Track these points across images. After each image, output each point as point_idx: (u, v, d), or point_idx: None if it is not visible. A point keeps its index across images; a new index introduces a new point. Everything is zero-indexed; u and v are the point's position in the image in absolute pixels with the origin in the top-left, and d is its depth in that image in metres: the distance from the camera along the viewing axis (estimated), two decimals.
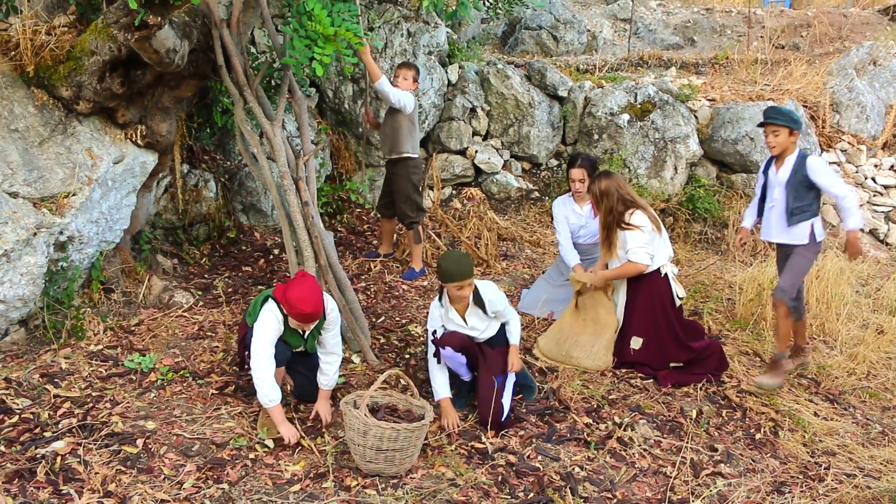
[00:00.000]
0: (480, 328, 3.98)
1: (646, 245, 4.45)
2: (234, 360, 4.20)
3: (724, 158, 7.51)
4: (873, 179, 7.78)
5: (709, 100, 7.80)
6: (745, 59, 9.30)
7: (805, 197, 4.40)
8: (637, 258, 4.44)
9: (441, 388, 3.88)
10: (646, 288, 4.51)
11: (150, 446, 3.32)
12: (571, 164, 5.25)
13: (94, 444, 3.27)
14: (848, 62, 8.47)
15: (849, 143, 7.91)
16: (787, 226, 4.44)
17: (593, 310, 4.63)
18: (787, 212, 4.45)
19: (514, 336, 4.06)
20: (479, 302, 3.91)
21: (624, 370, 4.52)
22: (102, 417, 3.50)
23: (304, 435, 3.57)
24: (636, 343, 4.53)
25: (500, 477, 3.38)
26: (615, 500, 3.29)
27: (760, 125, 4.54)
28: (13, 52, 4.09)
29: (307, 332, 3.74)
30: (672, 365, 4.49)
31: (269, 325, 3.56)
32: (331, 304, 3.77)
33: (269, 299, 3.62)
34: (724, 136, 7.40)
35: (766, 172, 4.62)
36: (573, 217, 5.29)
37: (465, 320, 3.95)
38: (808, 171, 4.36)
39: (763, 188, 4.64)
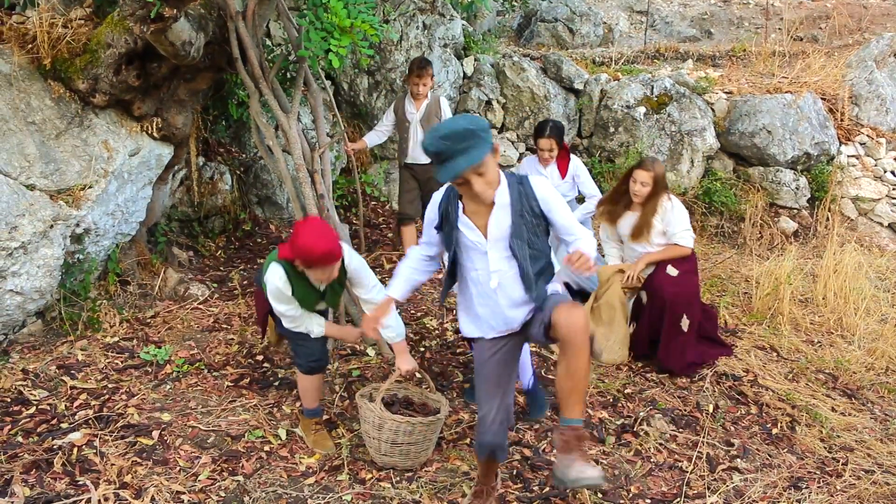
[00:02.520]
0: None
1: (690, 227, 4.44)
2: (249, 352, 4.21)
3: (740, 151, 7.44)
4: (892, 173, 7.68)
5: (726, 92, 7.73)
6: (762, 52, 9.20)
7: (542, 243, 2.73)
8: (685, 241, 4.41)
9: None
10: (682, 263, 4.48)
11: (165, 438, 3.34)
12: (539, 132, 5.03)
13: (110, 436, 3.29)
14: (868, 54, 8.36)
15: (868, 136, 7.81)
16: (527, 294, 2.65)
17: (608, 305, 4.58)
18: (522, 276, 2.65)
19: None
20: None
21: (639, 364, 4.50)
22: (118, 409, 3.52)
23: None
24: (685, 323, 4.40)
25: (514, 471, 3.37)
26: (630, 495, 3.27)
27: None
28: (30, 45, 4.11)
29: (324, 286, 3.29)
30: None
31: (278, 292, 3.23)
32: (348, 253, 3.30)
33: (273, 263, 3.24)
34: (741, 129, 7.34)
35: None
36: (535, 173, 5.13)
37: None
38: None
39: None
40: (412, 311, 5.07)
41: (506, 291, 2.68)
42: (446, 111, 5.47)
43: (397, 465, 3.30)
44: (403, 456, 3.27)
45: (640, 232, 4.49)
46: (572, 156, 5.20)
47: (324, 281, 3.22)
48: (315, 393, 3.48)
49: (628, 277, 4.52)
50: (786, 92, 7.55)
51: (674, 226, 4.41)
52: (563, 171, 5.12)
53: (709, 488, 3.35)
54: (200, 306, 4.73)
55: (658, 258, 4.48)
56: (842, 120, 7.84)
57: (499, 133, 7.57)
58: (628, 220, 4.58)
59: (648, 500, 3.25)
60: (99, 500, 2.85)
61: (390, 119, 5.64)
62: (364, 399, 3.37)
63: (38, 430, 3.29)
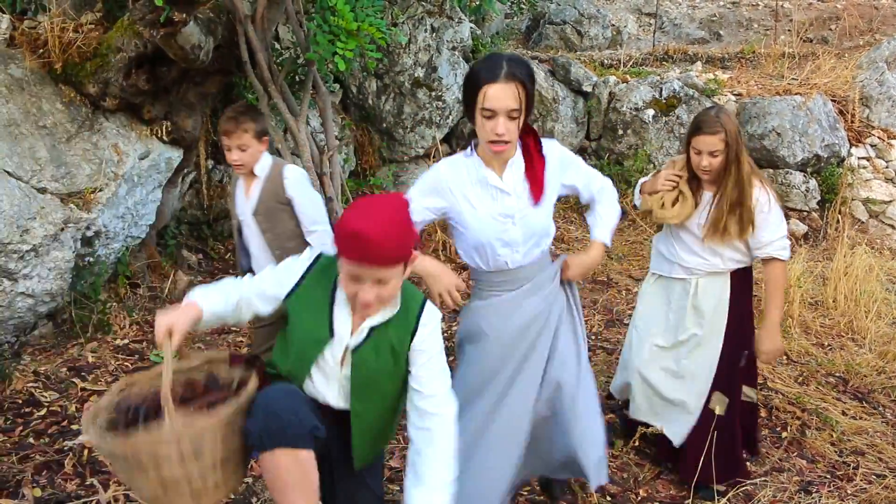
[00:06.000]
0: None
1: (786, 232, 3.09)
2: None
3: (750, 154, 7.41)
4: None
5: (735, 95, 7.72)
6: (772, 53, 9.19)
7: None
8: (784, 253, 3.07)
9: None
10: (739, 294, 3.20)
11: None
12: (490, 76, 2.23)
13: None
14: (878, 55, 8.33)
15: (879, 137, 7.78)
16: None
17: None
18: None
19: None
20: None
21: None
22: None
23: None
24: (720, 405, 3.11)
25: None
26: (639, 498, 3.26)
27: None
28: (41, 50, 4.13)
29: (365, 322, 2.03)
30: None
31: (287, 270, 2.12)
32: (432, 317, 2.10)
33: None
34: (751, 131, 7.32)
35: None
36: (484, 200, 2.42)
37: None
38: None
39: None
40: None
41: None
42: (298, 192, 3.22)
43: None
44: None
45: (716, 226, 3.01)
46: (547, 142, 2.49)
47: (358, 304, 1.95)
48: None
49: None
50: (795, 94, 7.52)
51: (769, 230, 3.02)
52: (538, 181, 2.42)
53: (718, 492, 3.34)
54: None
55: (777, 307, 3.15)
56: (852, 121, 7.81)
57: None
58: (703, 212, 3.08)
59: None
60: (109, 501, 2.86)
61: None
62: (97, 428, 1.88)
63: (50, 431, 3.31)
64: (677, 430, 3.21)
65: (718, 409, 3.05)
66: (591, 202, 2.70)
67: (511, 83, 2.23)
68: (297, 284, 2.07)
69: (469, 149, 2.49)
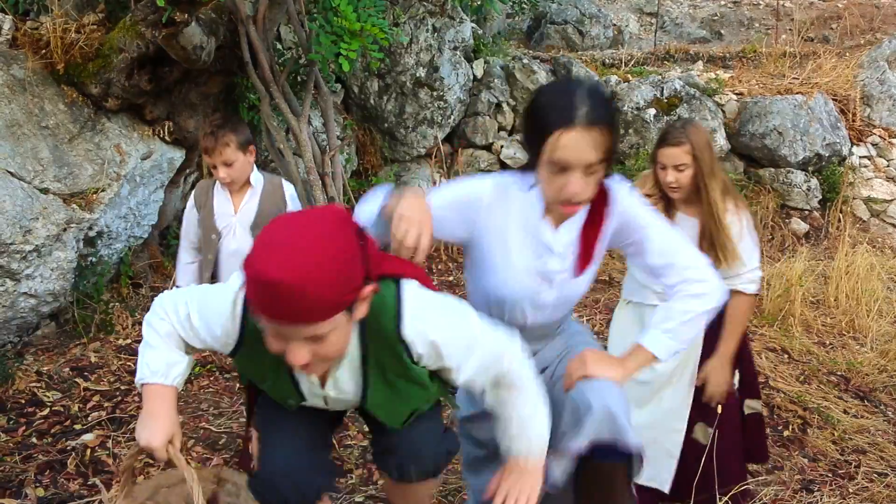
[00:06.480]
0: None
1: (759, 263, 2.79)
2: None
3: (751, 153, 7.41)
4: None
5: (736, 94, 7.71)
6: (773, 53, 9.18)
7: None
8: (751, 287, 2.77)
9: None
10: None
11: None
12: (564, 119, 1.72)
13: (123, 437, 3.31)
14: (880, 54, 8.33)
15: (880, 136, 7.78)
16: None
17: None
18: None
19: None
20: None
21: None
22: (131, 411, 3.54)
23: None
24: (703, 434, 2.82)
25: None
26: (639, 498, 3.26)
27: None
28: (44, 51, 4.14)
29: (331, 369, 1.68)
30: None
31: (216, 300, 1.71)
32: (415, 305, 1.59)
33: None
34: (752, 130, 7.31)
35: None
36: (524, 251, 1.92)
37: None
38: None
39: None
40: None
41: None
42: (297, 207, 3.29)
43: None
44: None
45: (712, 244, 2.67)
46: (619, 192, 2.04)
47: (288, 359, 1.42)
48: None
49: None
50: (797, 93, 7.52)
51: (737, 263, 2.70)
52: (591, 247, 1.95)
53: (719, 490, 3.34)
54: None
55: (731, 340, 2.79)
56: (853, 121, 7.81)
57: (508, 135, 7.58)
58: (683, 228, 2.63)
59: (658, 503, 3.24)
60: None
61: (192, 222, 3.16)
62: None
63: (52, 431, 3.32)
64: (665, 477, 2.86)
65: (702, 440, 2.79)
66: (667, 291, 1.99)
67: (593, 129, 1.71)
68: (238, 342, 1.65)
69: (530, 183, 1.89)
